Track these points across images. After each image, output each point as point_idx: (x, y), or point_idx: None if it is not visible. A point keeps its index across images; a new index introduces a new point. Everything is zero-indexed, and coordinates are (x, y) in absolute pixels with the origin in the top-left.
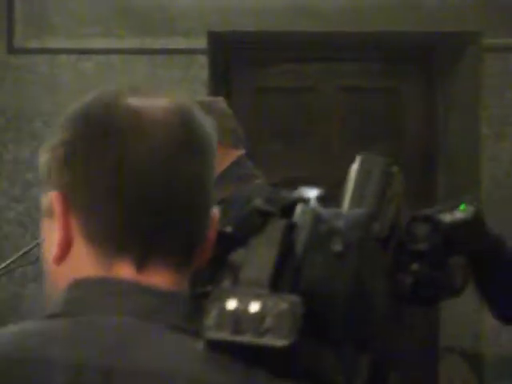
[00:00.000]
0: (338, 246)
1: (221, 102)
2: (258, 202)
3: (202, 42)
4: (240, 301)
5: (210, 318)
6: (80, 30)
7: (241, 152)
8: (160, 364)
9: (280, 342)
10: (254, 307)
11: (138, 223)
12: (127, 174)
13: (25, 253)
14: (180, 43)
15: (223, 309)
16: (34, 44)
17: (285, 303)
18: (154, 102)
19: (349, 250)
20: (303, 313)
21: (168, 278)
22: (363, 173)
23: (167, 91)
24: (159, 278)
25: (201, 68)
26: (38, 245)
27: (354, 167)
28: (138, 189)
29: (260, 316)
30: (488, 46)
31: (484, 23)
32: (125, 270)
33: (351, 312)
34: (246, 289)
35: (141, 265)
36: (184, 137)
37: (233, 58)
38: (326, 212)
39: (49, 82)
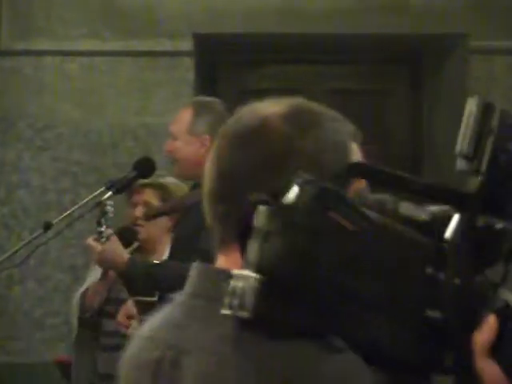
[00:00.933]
0: None
1: (220, 104)
2: None
3: (187, 44)
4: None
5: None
6: (65, 31)
7: None
8: None
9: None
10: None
11: None
12: None
13: (10, 255)
14: (165, 45)
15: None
16: (19, 46)
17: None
18: None
19: None
20: None
21: None
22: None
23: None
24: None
25: (186, 70)
26: (23, 247)
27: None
28: None
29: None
30: (474, 48)
31: (471, 26)
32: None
33: None
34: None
35: None
36: None
37: (219, 59)
38: None
39: (34, 84)
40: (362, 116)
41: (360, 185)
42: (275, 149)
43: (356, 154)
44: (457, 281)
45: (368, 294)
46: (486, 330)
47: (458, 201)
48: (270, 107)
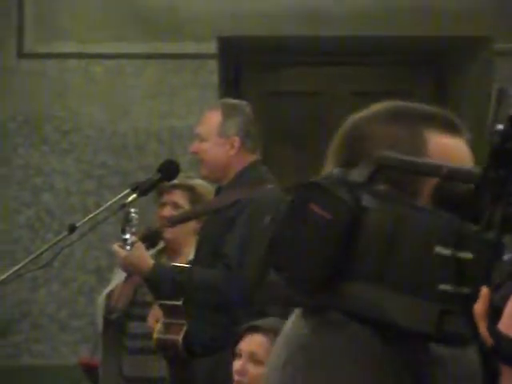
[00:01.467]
0: None
1: (248, 106)
2: None
3: (211, 47)
4: None
5: None
6: (90, 34)
7: (256, 157)
8: None
9: None
10: None
11: None
12: None
13: (35, 257)
14: (190, 48)
15: None
16: (43, 49)
17: None
18: None
19: None
20: None
21: None
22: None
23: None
24: None
25: (211, 73)
26: (47, 249)
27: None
28: None
29: None
30: (499, 50)
31: (495, 28)
32: None
33: None
34: None
35: None
36: None
37: (243, 62)
38: None
39: (59, 87)
40: None
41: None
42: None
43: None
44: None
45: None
46: (483, 300)
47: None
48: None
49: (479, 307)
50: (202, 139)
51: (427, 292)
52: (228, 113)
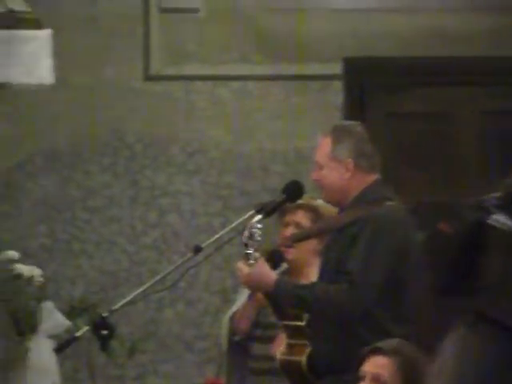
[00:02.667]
0: None
1: (359, 127)
2: None
3: (336, 68)
4: None
5: None
6: (216, 56)
7: (376, 176)
8: None
9: None
10: None
11: None
12: None
13: (161, 278)
14: (315, 69)
15: None
16: (170, 71)
17: None
18: None
19: None
20: None
21: None
22: None
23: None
24: None
25: (335, 93)
26: (173, 270)
27: None
28: None
29: None
30: None
31: None
32: None
33: None
34: None
35: None
36: None
37: (367, 83)
38: None
39: (185, 109)
40: None
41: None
42: None
43: None
44: None
45: None
46: None
47: None
48: None
49: None
50: (320, 166)
51: None
52: (338, 137)
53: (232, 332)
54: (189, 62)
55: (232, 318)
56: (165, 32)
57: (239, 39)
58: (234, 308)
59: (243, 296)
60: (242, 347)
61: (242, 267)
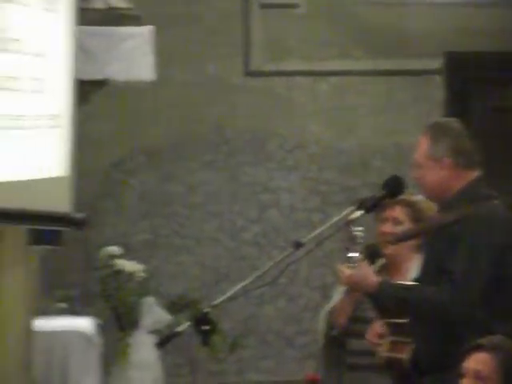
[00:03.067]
0: None
1: (456, 123)
2: None
3: (437, 62)
4: None
5: None
6: (316, 52)
7: (476, 173)
8: None
9: None
10: None
11: None
12: None
13: (261, 274)
14: (416, 64)
15: None
16: (270, 67)
17: None
18: None
19: None
20: None
21: None
22: None
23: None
24: None
25: (436, 88)
26: (274, 266)
27: None
28: None
29: None
30: None
31: None
32: None
33: None
34: None
35: None
36: None
37: (469, 77)
38: None
39: (284, 104)
40: None
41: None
42: None
43: None
44: None
45: None
46: None
47: None
48: None
49: None
50: (418, 165)
51: None
52: (435, 135)
53: (329, 327)
54: (289, 57)
55: (329, 313)
56: (265, 28)
57: (339, 34)
58: (332, 303)
59: (340, 291)
60: (339, 342)
61: (344, 269)
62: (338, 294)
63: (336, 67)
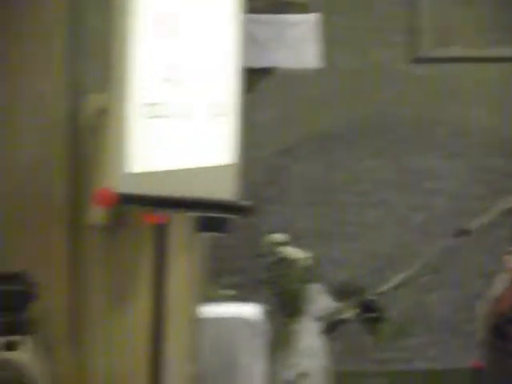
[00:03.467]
0: None
1: None
2: None
3: None
4: None
5: None
6: (482, 38)
7: None
8: None
9: None
10: None
11: None
12: None
13: (428, 261)
14: None
15: None
16: (437, 53)
17: None
18: None
19: None
20: None
21: None
22: None
23: None
24: None
25: None
26: (439, 253)
27: None
28: None
29: None
30: None
31: None
32: None
33: None
34: None
35: None
36: None
37: None
38: None
39: (451, 91)
40: None
41: None
42: None
43: None
44: None
45: None
46: None
47: None
48: None
49: None
50: None
51: None
52: None
53: (492, 315)
54: (455, 43)
55: (493, 301)
56: (432, 14)
57: (508, 19)
58: (495, 291)
59: (504, 279)
60: (501, 330)
61: (510, 258)
62: (501, 282)
63: (503, 54)
